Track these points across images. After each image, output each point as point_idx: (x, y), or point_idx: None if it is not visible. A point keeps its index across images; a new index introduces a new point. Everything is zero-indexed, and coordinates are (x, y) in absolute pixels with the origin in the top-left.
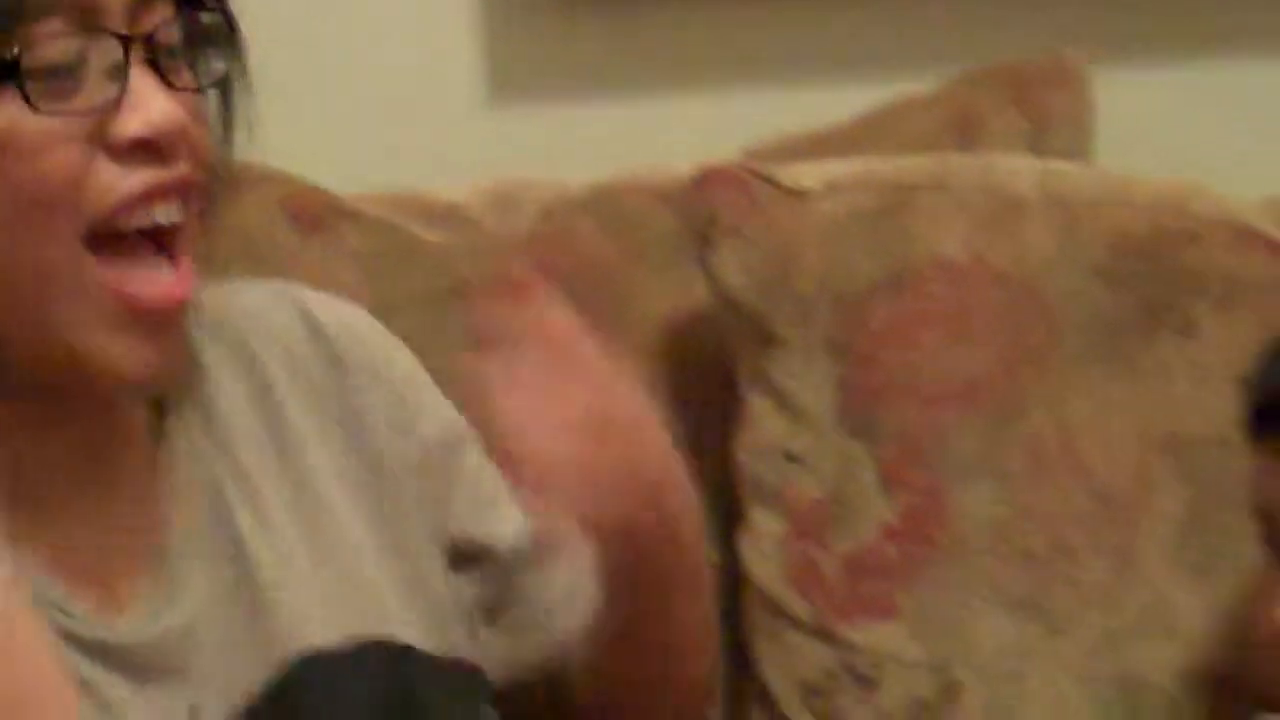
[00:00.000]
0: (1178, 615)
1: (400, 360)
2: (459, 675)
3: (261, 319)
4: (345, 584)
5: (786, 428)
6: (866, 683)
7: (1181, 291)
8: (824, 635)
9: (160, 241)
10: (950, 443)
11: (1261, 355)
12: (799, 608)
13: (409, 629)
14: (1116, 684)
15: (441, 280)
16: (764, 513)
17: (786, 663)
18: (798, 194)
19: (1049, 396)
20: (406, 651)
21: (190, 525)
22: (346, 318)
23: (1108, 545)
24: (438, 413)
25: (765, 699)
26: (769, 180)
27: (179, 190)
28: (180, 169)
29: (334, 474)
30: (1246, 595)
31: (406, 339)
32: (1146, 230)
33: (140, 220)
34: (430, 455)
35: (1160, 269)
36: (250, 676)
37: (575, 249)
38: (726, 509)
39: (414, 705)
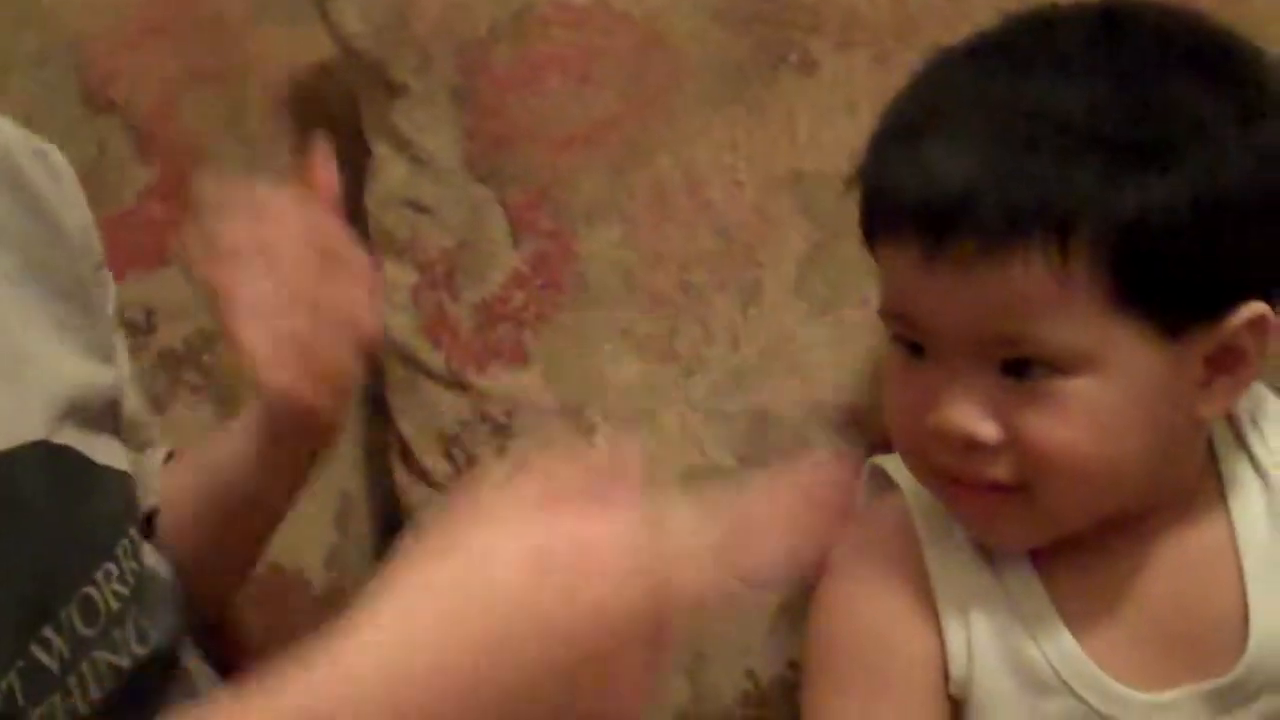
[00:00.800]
0: (802, 351)
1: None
2: None
3: None
4: None
5: (413, 177)
6: (502, 429)
7: (800, 30)
8: (458, 385)
9: None
10: (577, 187)
11: (870, 144)
12: (432, 358)
13: None
14: (745, 419)
15: (57, 37)
16: (395, 264)
17: (423, 414)
18: None
19: (673, 138)
20: None
21: None
22: None
23: (733, 284)
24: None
25: (405, 451)
26: None
27: None
28: None
29: None
30: (870, 333)
31: (22, 99)
32: None
33: None
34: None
35: (779, 8)
36: None
37: (196, 7)
38: None
39: None
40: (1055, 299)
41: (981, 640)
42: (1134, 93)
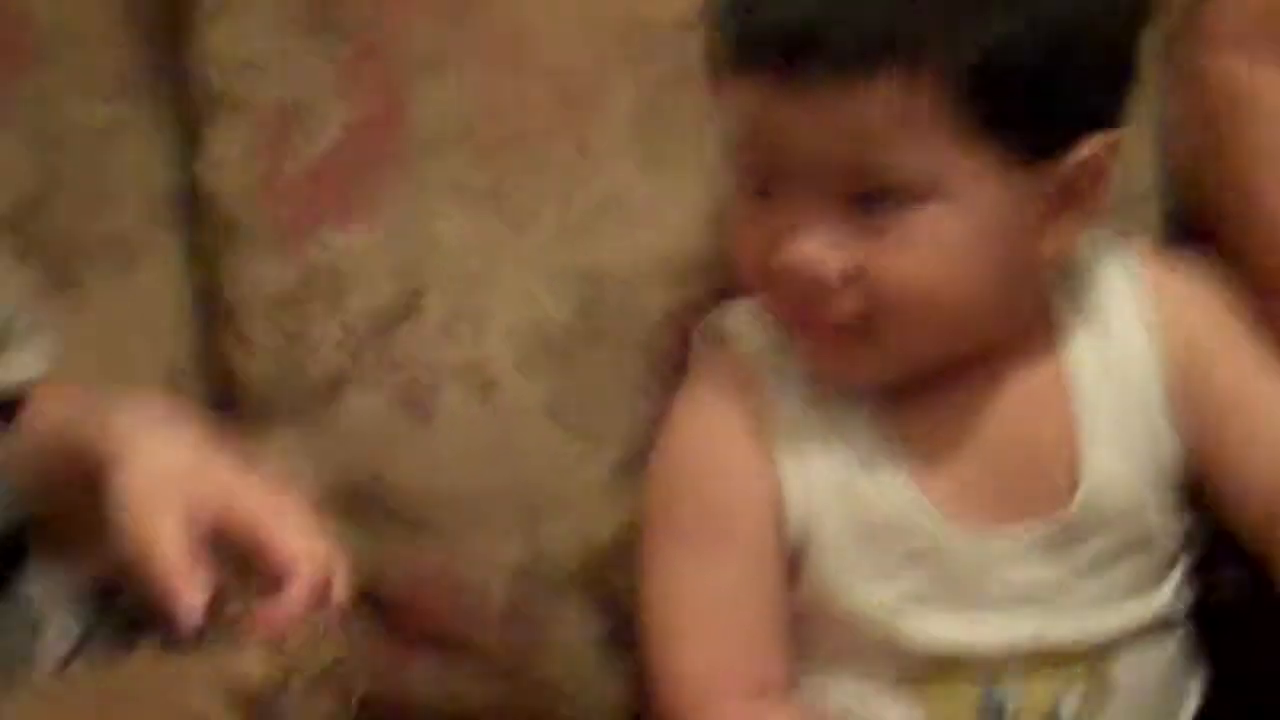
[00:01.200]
0: (636, 204)
1: None
2: None
3: None
4: None
5: (242, 33)
6: (333, 292)
7: None
8: (287, 248)
9: None
10: (408, 39)
11: None
12: (260, 220)
13: None
14: (579, 276)
15: None
16: (223, 124)
17: (252, 278)
18: None
19: None
20: None
21: None
22: None
23: (566, 136)
24: None
25: (231, 317)
26: None
27: None
28: None
29: None
30: (705, 183)
31: None
32: None
33: None
34: None
35: None
36: None
37: None
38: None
39: None
40: (904, 126)
41: (819, 483)
42: None
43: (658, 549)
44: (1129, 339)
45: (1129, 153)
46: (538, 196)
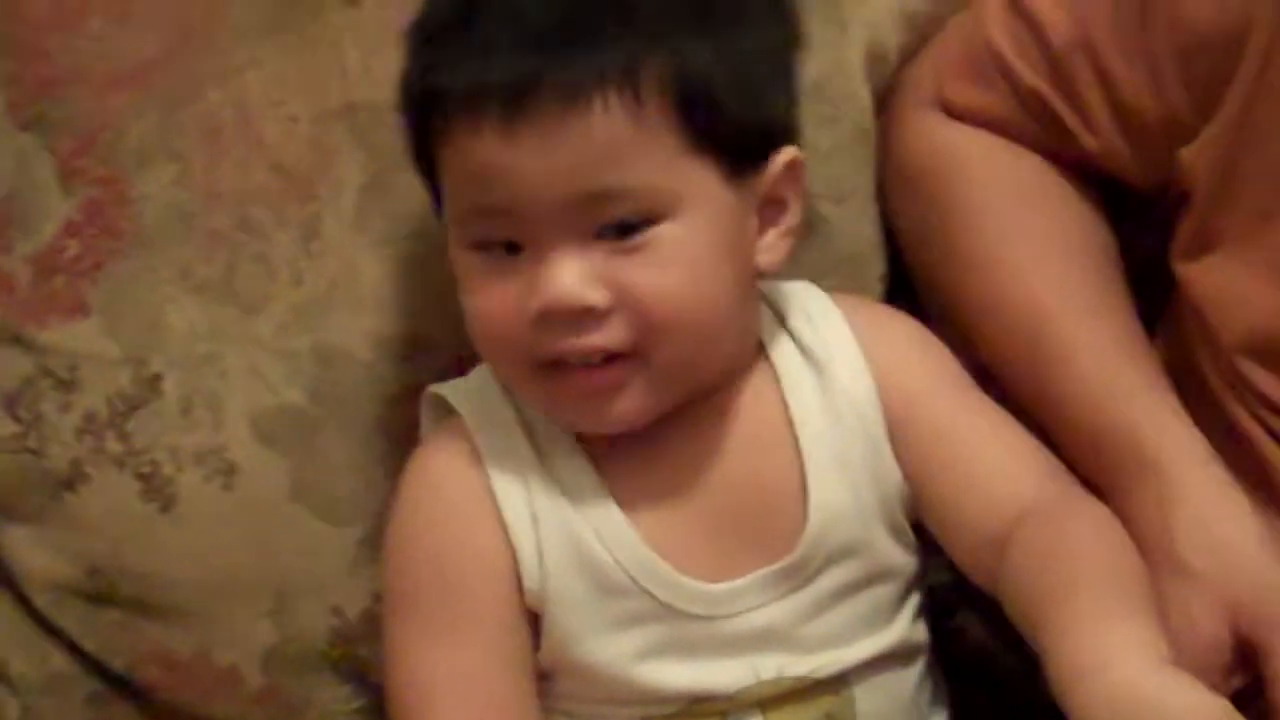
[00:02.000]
0: (365, 283)
1: None
2: None
3: None
4: None
5: None
6: (66, 385)
7: None
8: (18, 341)
9: None
10: (126, 129)
11: (419, 46)
12: None
13: None
14: (312, 355)
15: None
16: None
17: None
18: None
19: (221, 73)
20: None
21: None
22: None
23: (293, 220)
24: None
25: None
26: None
27: None
28: None
29: None
30: (430, 262)
31: None
32: None
33: None
34: None
35: None
36: None
37: None
38: None
39: None
40: (635, 145)
41: (550, 547)
42: None
43: (400, 631)
44: (851, 380)
45: (851, 214)
46: (267, 280)
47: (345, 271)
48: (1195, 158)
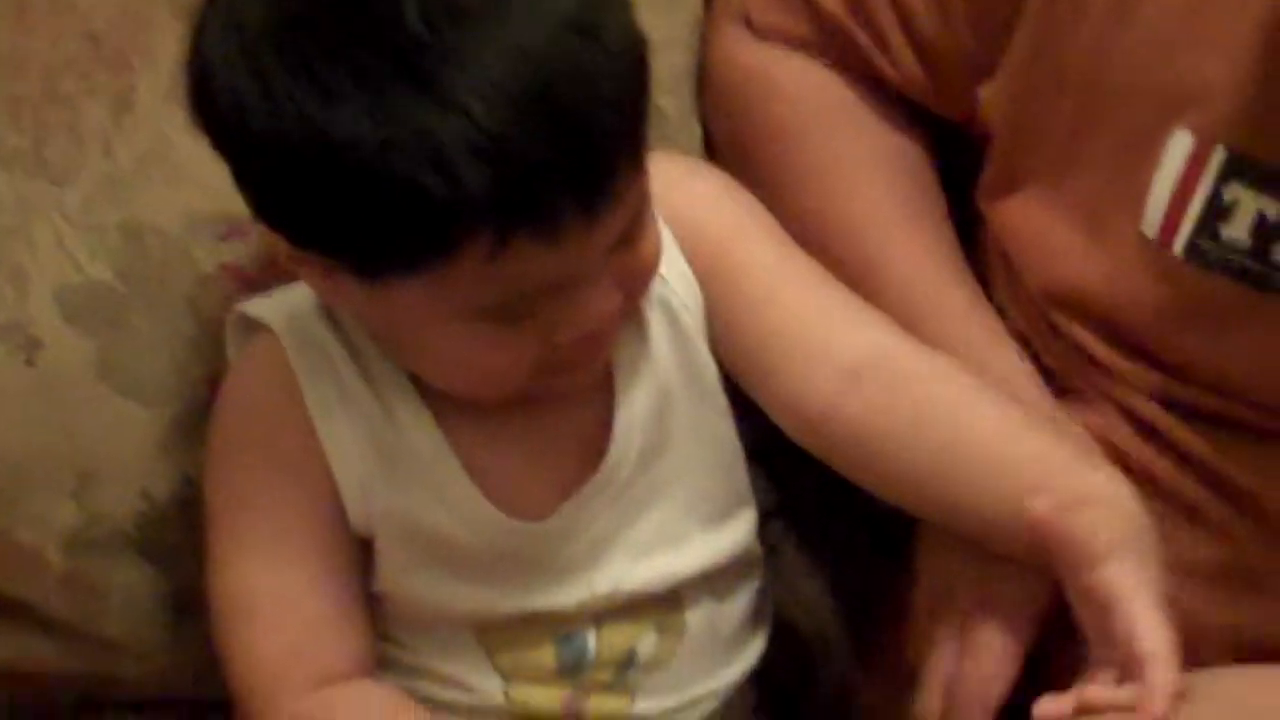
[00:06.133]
0: (178, 158)
1: None
2: None
3: None
4: None
5: None
6: None
7: None
8: None
9: None
10: None
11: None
12: None
13: None
14: (120, 230)
15: None
16: None
17: None
18: None
19: None
20: None
21: None
22: None
23: (104, 91)
24: None
25: None
26: None
27: None
28: None
29: None
30: None
31: None
32: None
33: None
34: None
35: None
36: None
37: None
38: None
39: None
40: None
41: (374, 478)
42: None
43: (218, 546)
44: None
45: (686, 105)
46: (77, 152)
47: (158, 145)
48: (994, 96)
